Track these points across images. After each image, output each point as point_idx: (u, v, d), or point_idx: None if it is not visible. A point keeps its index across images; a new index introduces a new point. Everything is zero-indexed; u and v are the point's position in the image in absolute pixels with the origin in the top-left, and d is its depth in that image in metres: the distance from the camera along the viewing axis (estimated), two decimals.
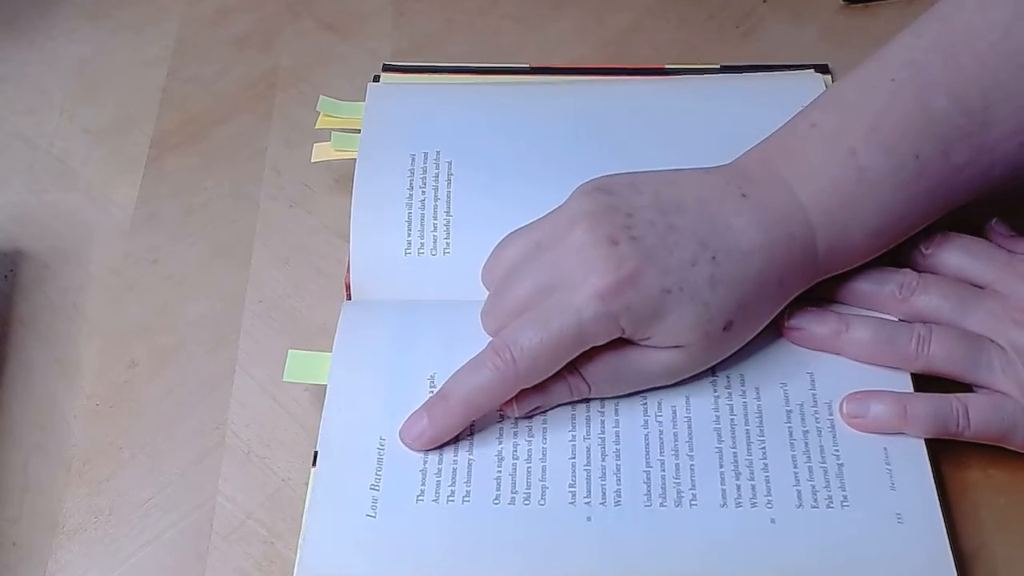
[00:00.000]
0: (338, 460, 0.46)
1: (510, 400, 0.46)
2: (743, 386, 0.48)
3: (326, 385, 0.48)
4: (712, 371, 0.48)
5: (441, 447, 0.46)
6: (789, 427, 0.46)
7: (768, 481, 0.45)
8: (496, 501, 0.45)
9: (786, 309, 0.49)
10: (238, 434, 0.50)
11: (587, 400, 0.47)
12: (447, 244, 0.52)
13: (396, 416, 0.47)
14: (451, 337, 0.49)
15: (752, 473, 0.45)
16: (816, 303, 0.49)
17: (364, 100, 0.58)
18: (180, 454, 0.49)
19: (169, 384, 0.51)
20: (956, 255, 0.49)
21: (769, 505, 0.44)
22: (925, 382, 0.48)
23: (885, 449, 0.46)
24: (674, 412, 0.47)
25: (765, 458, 0.46)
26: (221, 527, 0.47)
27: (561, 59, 0.63)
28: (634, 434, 0.46)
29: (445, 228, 0.53)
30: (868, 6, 0.66)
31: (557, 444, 0.46)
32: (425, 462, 0.46)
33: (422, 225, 0.53)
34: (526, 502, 0.45)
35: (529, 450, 0.46)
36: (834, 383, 0.48)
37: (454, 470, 0.46)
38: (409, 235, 0.53)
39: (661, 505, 0.44)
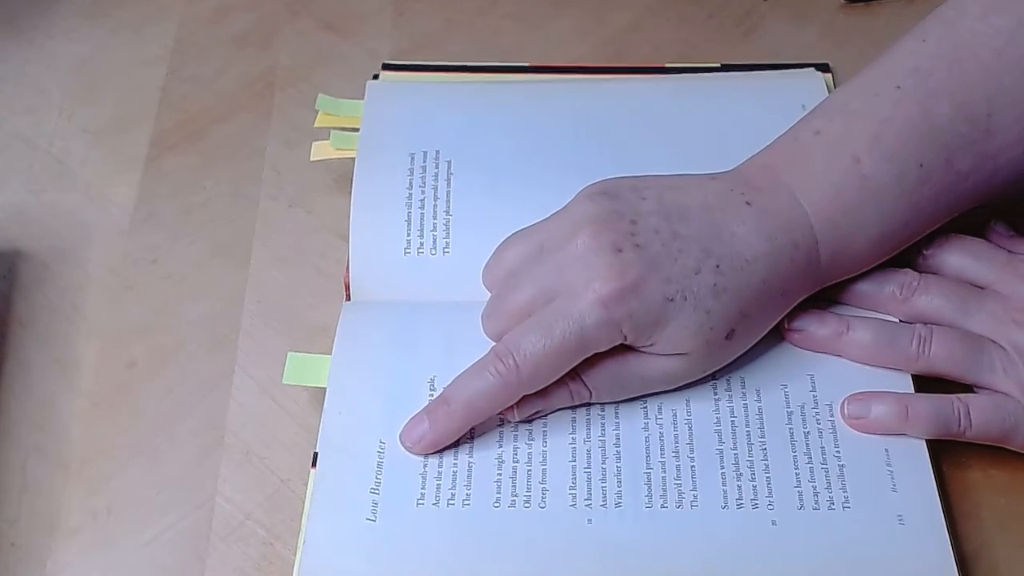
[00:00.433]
0: (338, 463, 0.46)
1: (511, 405, 0.46)
2: (743, 388, 0.48)
3: (325, 388, 0.48)
4: (712, 374, 0.48)
5: (441, 451, 0.46)
6: (790, 428, 0.46)
7: (769, 483, 0.45)
8: (496, 504, 0.45)
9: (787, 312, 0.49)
10: (237, 434, 0.49)
11: (587, 404, 0.47)
12: (447, 244, 0.52)
13: (396, 419, 0.47)
14: (451, 340, 0.49)
15: (753, 475, 0.45)
16: (817, 304, 0.49)
17: (363, 99, 0.58)
18: (179, 454, 0.49)
19: (168, 384, 0.51)
20: (957, 256, 0.49)
21: (770, 507, 0.44)
22: (926, 383, 0.48)
23: (886, 450, 0.46)
24: (674, 415, 0.47)
25: (766, 459, 0.45)
26: (220, 527, 0.47)
27: (561, 58, 0.63)
28: (634, 436, 0.46)
29: (445, 228, 0.53)
30: (869, 5, 0.65)
31: (557, 447, 0.46)
32: (425, 465, 0.46)
33: (422, 225, 0.53)
34: (526, 505, 0.44)
35: (529, 453, 0.46)
36: (835, 384, 0.47)
37: (454, 473, 0.45)
38: (409, 235, 0.53)
39: (662, 507, 0.44)
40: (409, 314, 0.50)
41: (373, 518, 0.44)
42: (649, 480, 0.45)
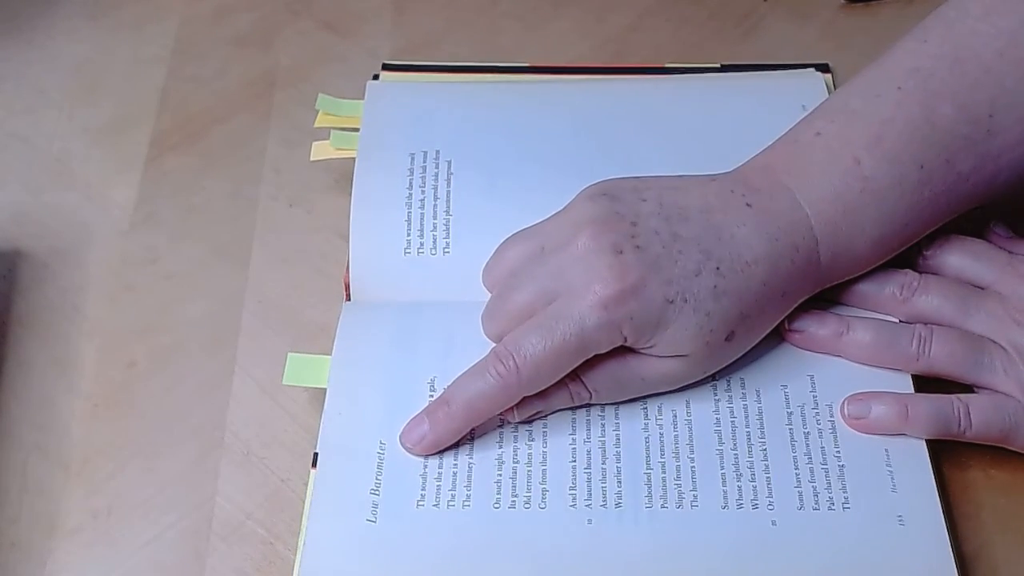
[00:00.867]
0: (338, 464, 0.46)
1: (511, 406, 0.46)
2: (743, 389, 0.48)
3: (326, 388, 0.48)
4: (712, 375, 0.48)
5: (441, 451, 0.46)
6: (790, 429, 0.46)
7: (769, 483, 0.45)
8: (496, 505, 0.45)
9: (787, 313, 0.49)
10: (237, 434, 0.49)
11: (587, 405, 0.47)
12: (447, 244, 0.52)
13: (396, 420, 0.47)
14: (451, 341, 0.49)
15: (753, 475, 0.45)
16: (817, 305, 0.49)
17: (363, 99, 0.58)
18: (179, 454, 0.49)
19: (168, 384, 0.51)
20: (956, 256, 0.49)
21: (770, 507, 0.44)
22: (926, 383, 0.48)
23: (886, 451, 0.46)
24: (674, 415, 0.47)
25: (766, 460, 0.45)
26: (220, 528, 0.47)
27: (561, 58, 0.63)
28: (634, 437, 0.46)
29: (445, 228, 0.53)
30: (869, 5, 0.65)
31: (557, 447, 0.46)
32: (425, 466, 0.46)
33: (422, 225, 0.53)
34: (526, 506, 0.44)
35: (529, 454, 0.46)
36: (834, 385, 0.47)
37: (454, 474, 0.45)
38: (408, 235, 0.53)
39: (662, 507, 0.44)
40: (409, 314, 0.50)
41: (373, 519, 0.44)
42: (649, 481, 0.45)
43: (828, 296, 0.49)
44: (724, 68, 0.61)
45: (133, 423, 0.50)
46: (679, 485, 0.45)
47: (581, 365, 0.46)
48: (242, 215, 0.57)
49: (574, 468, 0.46)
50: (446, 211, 0.53)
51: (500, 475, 0.45)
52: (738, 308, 0.45)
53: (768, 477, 0.45)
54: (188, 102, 0.63)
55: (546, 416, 0.47)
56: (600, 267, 0.45)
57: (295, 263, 0.55)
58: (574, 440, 0.46)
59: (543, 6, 0.67)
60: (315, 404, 0.49)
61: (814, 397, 0.47)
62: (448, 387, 0.46)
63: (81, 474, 0.48)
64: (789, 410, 0.47)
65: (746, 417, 0.47)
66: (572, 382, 0.46)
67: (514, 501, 0.45)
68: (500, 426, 0.47)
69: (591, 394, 0.46)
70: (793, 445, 0.46)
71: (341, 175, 0.57)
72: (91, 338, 0.53)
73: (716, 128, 0.56)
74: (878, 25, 0.64)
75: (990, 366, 0.46)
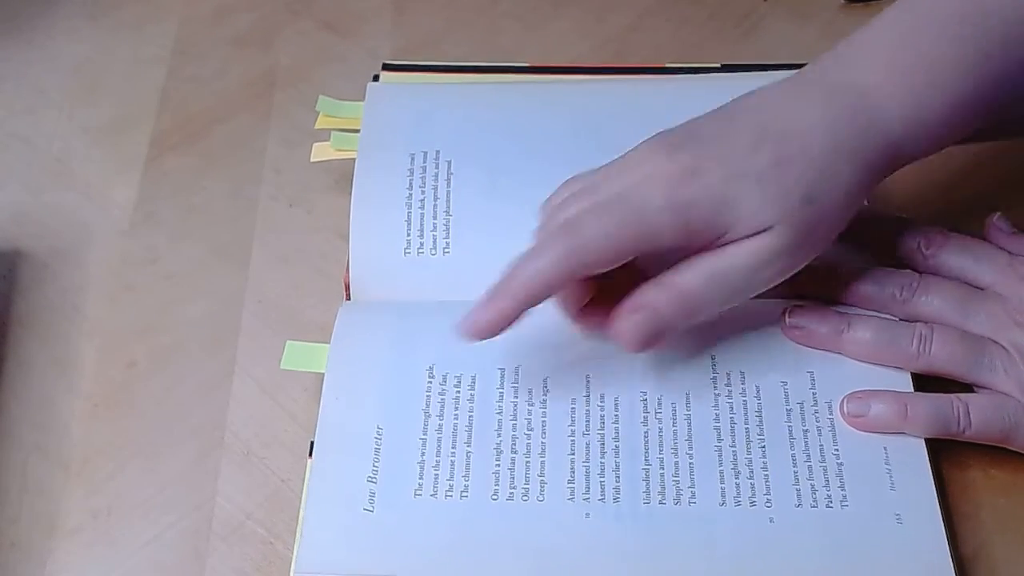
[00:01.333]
0: (335, 450, 0.46)
1: (577, 317, 0.46)
2: (743, 384, 0.48)
3: (323, 374, 0.48)
4: (712, 367, 0.48)
5: (439, 439, 0.46)
6: (789, 426, 0.46)
7: (767, 480, 0.45)
8: (495, 497, 0.45)
9: (787, 308, 0.49)
10: (237, 434, 0.49)
11: (587, 395, 0.47)
12: (447, 244, 0.52)
13: (394, 405, 0.47)
14: (451, 331, 0.49)
15: (751, 472, 0.45)
16: (817, 302, 0.49)
17: (363, 100, 0.58)
18: (179, 454, 0.49)
19: (168, 384, 0.51)
20: (957, 256, 0.49)
21: (768, 504, 0.44)
22: (925, 382, 0.48)
23: (885, 449, 0.46)
24: (674, 409, 0.47)
25: (764, 457, 0.45)
26: (220, 527, 0.47)
27: (561, 58, 0.63)
28: (633, 431, 0.46)
29: (445, 228, 0.53)
30: (869, 5, 0.65)
31: (556, 439, 0.46)
32: (423, 454, 0.46)
33: (421, 225, 0.53)
34: (524, 498, 0.45)
35: (528, 444, 0.46)
36: (834, 382, 0.47)
37: (452, 463, 0.45)
38: (408, 235, 0.53)
39: (660, 503, 0.44)
40: (409, 308, 0.51)
41: (371, 508, 0.44)
42: (647, 476, 0.45)
43: (829, 296, 0.49)
44: (724, 68, 0.61)
45: (133, 423, 0.50)
46: (677, 481, 0.45)
47: (681, 279, 0.45)
48: (242, 215, 0.57)
49: (573, 461, 0.46)
50: (446, 211, 0.53)
51: (498, 465, 0.45)
52: (803, 171, 0.44)
53: (766, 474, 0.45)
54: (188, 102, 0.63)
55: (546, 406, 0.47)
56: (659, 158, 0.45)
57: (295, 263, 0.55)
58: (573, 432, 0.46)
59: (543, 6, 0.67)
60: (315, 403, 0.49)
61: (813, 394, 0.47)
62: (507, 269, 0.45)
63: (81, 474, 0.48)
64: (788, 407, 0.47)
65: (745, 413, 0.47)
66: (670, 291, 0.45)
67: (512, 493, 0.45)
68: (499, 413, 0.47)
69: (698, 309, 0.45)
70: (792, 442, 0.46)
71: (341, 175, 0.57)
72: (91, 338, 0.53)
73: None
74: None
75: (990, 366, 0.46)
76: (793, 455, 0.46)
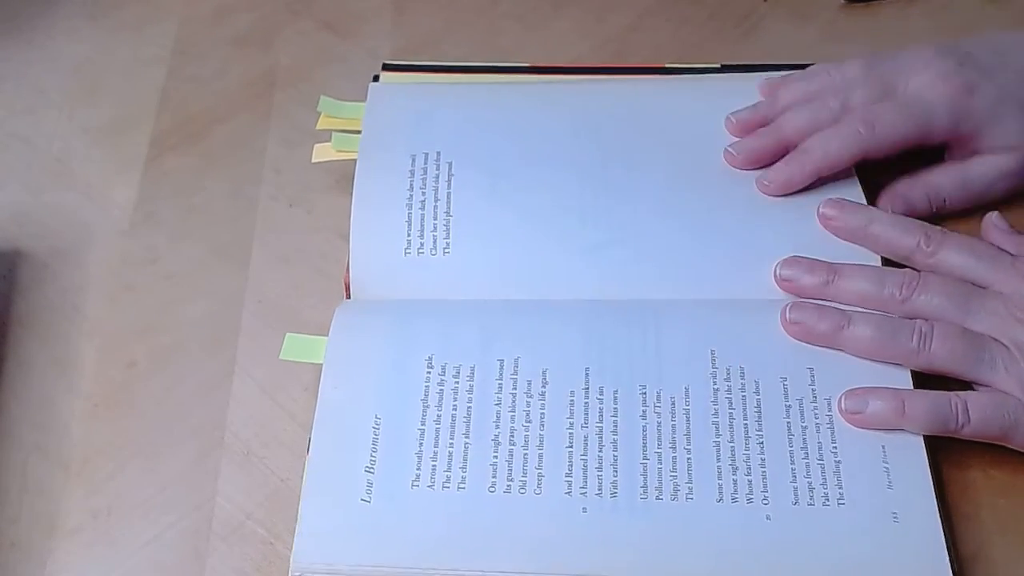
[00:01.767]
0: (333, 439, 0.46)
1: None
2: (743, 379, 0.48)
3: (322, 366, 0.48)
4: (712, 362, 0.48)
5: (437, 429, 0.46)
6: (788, 422, 0.46)
7: (765, 477, 0.45)
8: (492, 489, 0.45)
9: (787, 304, 0.49)
10: (237, 434, 0.50)
11: (586, 387, 0.47)
12: (447, 244, 0.52)
13: (392, 395, 0.47)
14: (450, 324, 0.49)
15: (749, 469, 0.45)
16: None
17: (364, 100, 0.58)
18: (179, 454, 0.49)
19: (168, 384, 0.51)
20: (957, 254, 0.49)
21: (765, 502, 0.44)
22: (926, 381, 0.48)
23: (883, 447, 0.46)
24: (673, 403, 0.47)
25: (763, 453, 0.45)
26: (220, 527, 0.47)
27: (561, 59, 0.63)
28: (632, 424, 0.46)
29: (445, 228, 0.53)
30: (869, 5, 0.65)
31: (554, 432, 0.46)
32: (421, 445, 0.46)
33: (422, 225, 0.53)
34: (522, 491, 0.45)
35: (526, 436, 0.46)
36: (834, 379, 0.47)
37: (450, 454, 0.45)
38: (409, 235, 0.53)
39: (657, 498, 0.44)
40: (408, 303, 0.51)
41: (368, 499, 0.44)
42: (645, 471, 0.45)
43: (828, 296, 0.49)
44: (724, 68, 0.61)
45: (133, 423, 0.50)
46: (675, 476, 0.45)
47: (934, 178, 0.54)
48: (242, 215, 0.57)
49: (571, 454, 0.46)
50: (446, 212, 0.53)
51: (496, 457, 0.45)
52: None
53: (764, 471, 0.45)
54: (188, 102, 0.63)
55: (546, 399, 0.47)
56: (947, 70, 0.53)
57: (295, 263, 0.55)
58: (571, 425, 0.46)
59: (543, 6, 0.67)
60: (315, 403, 0.49)
61: (813, 391, 0.47)
62: (807, 141, 0.53)
63: (81, 474, 0.48)
64: (788, 403, 0.47)
65: (744, 408, 0.47)
66: (928, 187, 0.54)
67: (509, 485, 0.45)
68: (497, 404, 0.47)
69: (945, 200, 0.54)
70: (790, 439, 0.46)
71: (341, 175, 0.57)
72: (91, 338, 0.53)
73: (716, 128, 0.56)
74: (878, 25, 0.64)
75: (991, 363, 0.46)
76: (791, 452, 0.46)
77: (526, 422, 0.47)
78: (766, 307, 0.49)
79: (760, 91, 0.57)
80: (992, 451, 0.47)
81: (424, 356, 0.48)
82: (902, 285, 0.49)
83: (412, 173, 0.55)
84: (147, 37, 0.66)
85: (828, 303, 0.49)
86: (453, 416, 0.47)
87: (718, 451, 0.46)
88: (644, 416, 0.47)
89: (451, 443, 0.46)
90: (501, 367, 0.48)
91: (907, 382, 0.47)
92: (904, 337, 0.47)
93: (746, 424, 0.46)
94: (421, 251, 0.52)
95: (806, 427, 0.46)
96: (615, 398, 0.47)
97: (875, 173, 0.54)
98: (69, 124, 0.62)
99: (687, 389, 0.47)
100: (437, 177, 0.55)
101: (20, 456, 0.49)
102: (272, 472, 0.48)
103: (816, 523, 0.44)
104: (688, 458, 0.45)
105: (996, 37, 0.56)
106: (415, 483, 0.45)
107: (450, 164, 0.55)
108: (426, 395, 0.47)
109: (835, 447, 0.46)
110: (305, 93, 0.62)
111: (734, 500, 0.44)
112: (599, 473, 0.45)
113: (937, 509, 0.44)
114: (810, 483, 0.45)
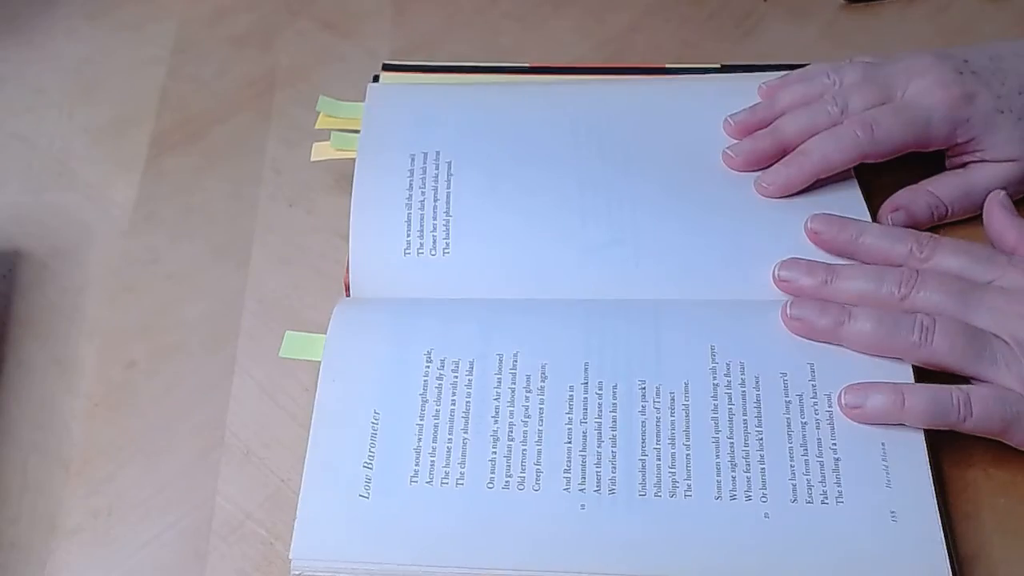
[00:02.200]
0: (332, 433, 0.46)
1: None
2: (743, 374, 0.47)
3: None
4: (712, 357, 0.48)
5: (435, 424, 0.46)
6: (787, 417, 0.46)
7: (764, 474, 0.45)
8: (490, 485, 0.45)
9: (788, 300, 0.49)
10: (237, 434, 0.50)
11: (585, 382, 0.47)
12: (446, 244, 0.52)
13: (391, 390, 0.47)
14: (449, 320, 0.49)
15: (748, 465, 0.45)
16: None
17: (364, 100, 0.58)
18: (179, 454, 0.49)
19: (168, 384, 0.51)
20: (953, 257, 0.49)
21: (763, 499, 0.44)
22: (925, 376, 0.48)
23: (883, 444, 0.45)
24: (672, 398, 0.47)
25: (762, 450, 0.45)
26: (220, 527, 0.47)
27: (561, 59, 0.63)
28: (631, 420, 0.46)
29: (444, 228, 0.53)
30: (869, 5, 0.65)
31: (553, 427, 0.46)
32: (419, 440, 0.46)
33: (421, 225, 0.53)
34: (520, 487, 0.45)
35: (525, 432, 0.46)
36: (834, 374, 0.47)
37: (448, 449, 0.45)
38: (408, 235, 0.53)
39: (655, 495, 0.44)
40: (407, 301, 0.51)
41: (366, 495, 0.44)
42: (644, 467, 0.45)
43: (827, 296, 0.49)
44: (724, 68, 0.61)
45: (133, 423, 0.50)
46: (673, 473, 0.45)
47: (935, 186, 0.54)
48: (242, 215, 0.57)
49: (569, 449, 0.46)
50: (446, 212, 0.53)
51: (495, 452, 0.45)
52: None
53: (763, 467, 0.45)
54: (188, 102, 0.63)
55: (544, 393, 0.47)
56: (945, 77, 0.53)
57: (295, 263, 0.55)
58: (570, 420, 0.46)
59: (543, 6, 0.67)
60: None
61: (813, 386, 0.47)
62: (805, 144, 0.54)
63: (81, 474, 0.48)
64: (787, 399, 0.47)
65: (744, 404, 0.47)
66: (930, 197, 0.54)
67: (508, 481, 0.45)
68: (496, 399, 0.47)
69: (947, 208, 0.54)
70: (790, 435, 0.46)
71: (341, 175, 0.57)
72: (91, 338, 0.53)
73: (716, 128, 0.56)
74: (878, 25, 0.64)
75: (991, 359, 0.46)
76: (790, 448, 0.45)
77: (525, 417, 0.46)
78: (766, 304, 0.49)
79: (759, 95, 0.57)
80: (992, 451, 0.47)
81: (423, 351, 0.48)
82: (900, 283, 0.49)
83: (412, 173, 0.55)
84: (147, 37, 0.66)
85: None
86: (452, 411, 0.47)
87: (717, 447, 0.45)
88: (643, 411, 0.46)
89: (450, 438, 0.46)
90: (500, 361, 0.48)
91: (908, 378, 0.47)
92: (905, 331, 0.47)
93: (745, 420, 0.46)
94: (421, 251, 0.52)
95: (806, 423, 0.46)
96: (614, 393, 0.47)
97: (874, 174, 0.55)
98: (69, 124, 0.62)
99: (687, 384, 0.47)
100: (436, 177, 0.55)
101: (20, 456, 0.49)
102: (272, 472, 0.48)
103: (814, 521, 0.44)
104: (687, 454, 0.45)
105: (993, 45, 0.56)
106: (413, 479, 0.45)
107: (449, 164, 0.55)
108: (425, 390, 0.47)
109: (834, 444, 0.46)
110: (305, 93, 0.62)
111: (732, 497, 0.44)
112: (598, 469, 0.45)
113: (937, 508, 0.44)
114: (809, 480, 0.45)
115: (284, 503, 0.47)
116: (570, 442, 0.46)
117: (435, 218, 0.53)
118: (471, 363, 0.48)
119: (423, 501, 0.44)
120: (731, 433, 0.46)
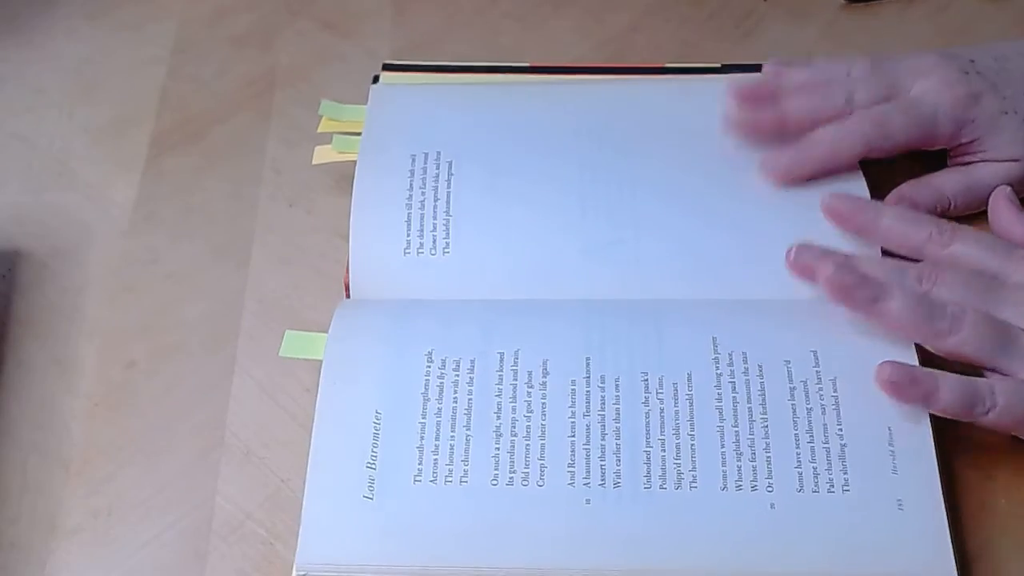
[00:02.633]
0: (334, 435, 0.46)
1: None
2: (746, 363, 0.47)
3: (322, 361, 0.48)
4: (714, 347, 0.48)
5: (438, 423, 0.46)
6: (792, 404, 0.46)
7: (769, 463, 0.45)
8: (494, 482, 0.45)
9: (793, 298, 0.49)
10: (237, 434, 0.49)
11: (587, 376, 0.47)
12: (447, 244, 0.52)
13: (392, 390, 0.47)
14: (450, 319, 0.49)
15: (753, 454, 0.45)
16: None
17: (365, 102, 0.58)
18: (179, 454, 0.49)
19: (168, 384, 0.51)
20: (973, 246, 0.49)
21: (769, 489, 0.44)
22: (933, 366, 0.47)
23: (889, 429, 0.45)
24: (675, 389, 0.47)
25: (767, 438, 0.45)
26: (220, 527, 0.47)
27: (561, 58, 0.63)
28: (634, 412, 0.46)
29: (445, 228, 0.53)
30: (869, 5, 0.65)
31: (556, 421, 0.46)
32: (422, 438, 0.46)
33: (421, 225, 0.53)
34: (524, 483, 0.44)
35: (528, 427, 0.46)
36: (839, 360, 0.47)
37: (451, 447, 0.45)
38: (408, 235, 0.53)
39: (661, 488, 0.44)
40: (408, 301, 0.51)
41: (370, 496, 0.44)
42: (648, 459, 0.45)
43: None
44: (724, 68, 0.61)
45: (133, 423, 0.50)
46: (678, 464, 0.45)
47: (939, 181, 0.54)
48: (242, 215, 0.57)
49: (573, 444, 0.45)
50: (446, 212, 0.53)
51: (498, 449, 0.45)
52: None
53: (768, 457, 0.45)
54: (188, 102, 0.63)
55: (546, 388, 0.47)
56: (951, 77, 0.54)
57: (295, 263, 0.55)
58: (573, 413, 0.46)
59: (543, 6, 0.67)
60: (315, 404, 0.49)
61: (817, 372, 0.47)
62: (815, 132, 0.54)
63: (81, 474, 0.48)
64: (792, 385, 0.47)
65: (748, 393, 0.46)
66: (934, 191, 0.54)
67: (512, 478, 0.45)
68: (498, 395, 0.47)
69: (950, 202, 0.54)
70: (795, 422, 0.46)
71: (341, 175, 0.57)
72: (91, 338, 0.53)
73: (716, 128, 0.56)
74: (878, 25, 0.64)
75: (1015, 353, 0.46)
76: (796, 435, 0.45)
77: (527, 412, 0.46)
78: (768, 302, 0.49)
79: (764, 71, 0.57)
80: (997, 451, 0.47)
81: (424, 350, 0.48)
82: (921, 278, 0.48)
83: (412, 173, 0.55)
84: (147, 37, 0.66)
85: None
86: (454, 409, 0.46)
87: (722, 437, 0.45)
88: (646, 403, 0.46)
89: (452, 436, 0.46)
90: (501, 359, 0.48)
91: (913, 362, 0.47)
92: (938, 319, 0.46)
93: (750, 408, 0.46)
94: (421, 251, 0.52)
95: (811, 408, 0.46)
96: (617, 386, 0.47)
97: (874, 169, 0.54)
98: (69, 124, 0.62)
99: (689, 375, 0.47)
100: (437, 177, 0.55)
101: (20, 456, 0.49)
102: (272, 472, 0.48)
103: (821, 511, 0.44)
104: (692, 444, 0.45)
105: (998, 45, 0.56)
106: (417, 478, 0.45)
107: (450, 164, 0.55)
108: (426, 389, 0.47)
109: (840, 429, 0.45)
110: (305, 93, 0.62)
111: (738, 488, 0.44)
112: (602, 462, 0.45)
113: (943, 498, 0.44)
114: (815, 468, 0.44)
115: (284, 503, 0.47)
116: (573, 436, 0.46)
117: (435, 218, 0.53)
118: (472, 361, 0.48)
119: (428, 500, 0.44)
120: (736, 422, 0.46)
